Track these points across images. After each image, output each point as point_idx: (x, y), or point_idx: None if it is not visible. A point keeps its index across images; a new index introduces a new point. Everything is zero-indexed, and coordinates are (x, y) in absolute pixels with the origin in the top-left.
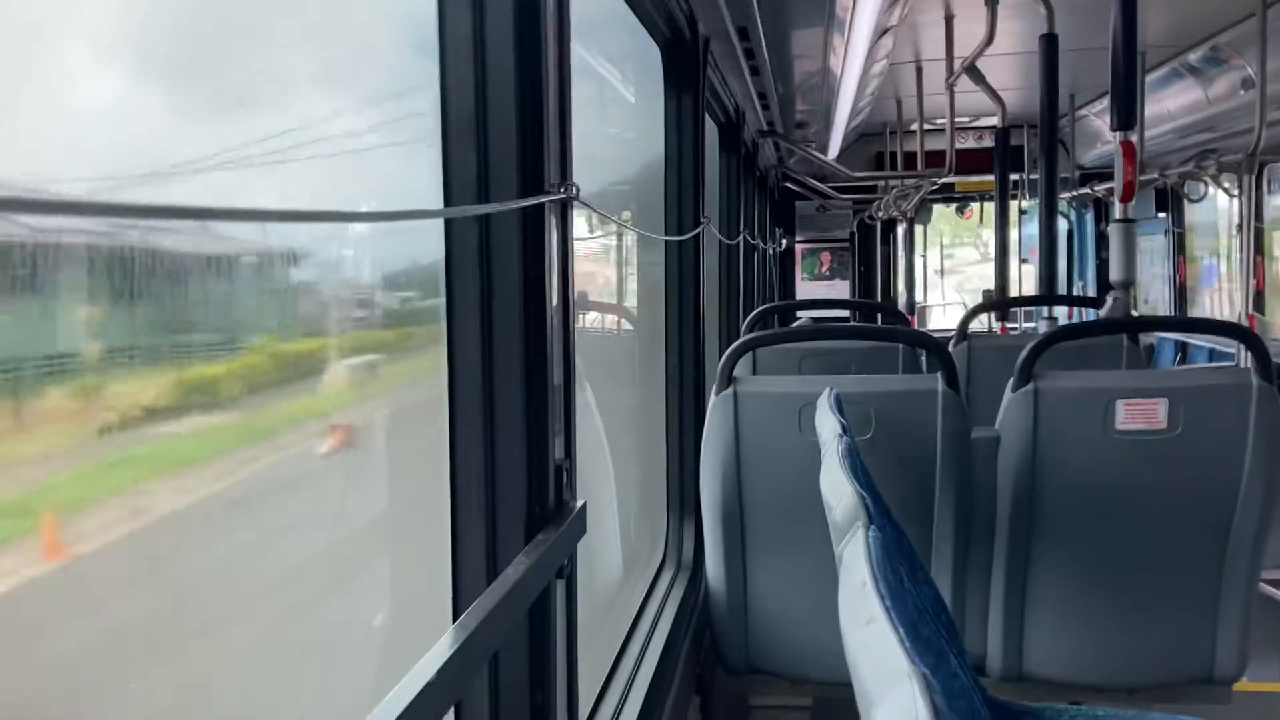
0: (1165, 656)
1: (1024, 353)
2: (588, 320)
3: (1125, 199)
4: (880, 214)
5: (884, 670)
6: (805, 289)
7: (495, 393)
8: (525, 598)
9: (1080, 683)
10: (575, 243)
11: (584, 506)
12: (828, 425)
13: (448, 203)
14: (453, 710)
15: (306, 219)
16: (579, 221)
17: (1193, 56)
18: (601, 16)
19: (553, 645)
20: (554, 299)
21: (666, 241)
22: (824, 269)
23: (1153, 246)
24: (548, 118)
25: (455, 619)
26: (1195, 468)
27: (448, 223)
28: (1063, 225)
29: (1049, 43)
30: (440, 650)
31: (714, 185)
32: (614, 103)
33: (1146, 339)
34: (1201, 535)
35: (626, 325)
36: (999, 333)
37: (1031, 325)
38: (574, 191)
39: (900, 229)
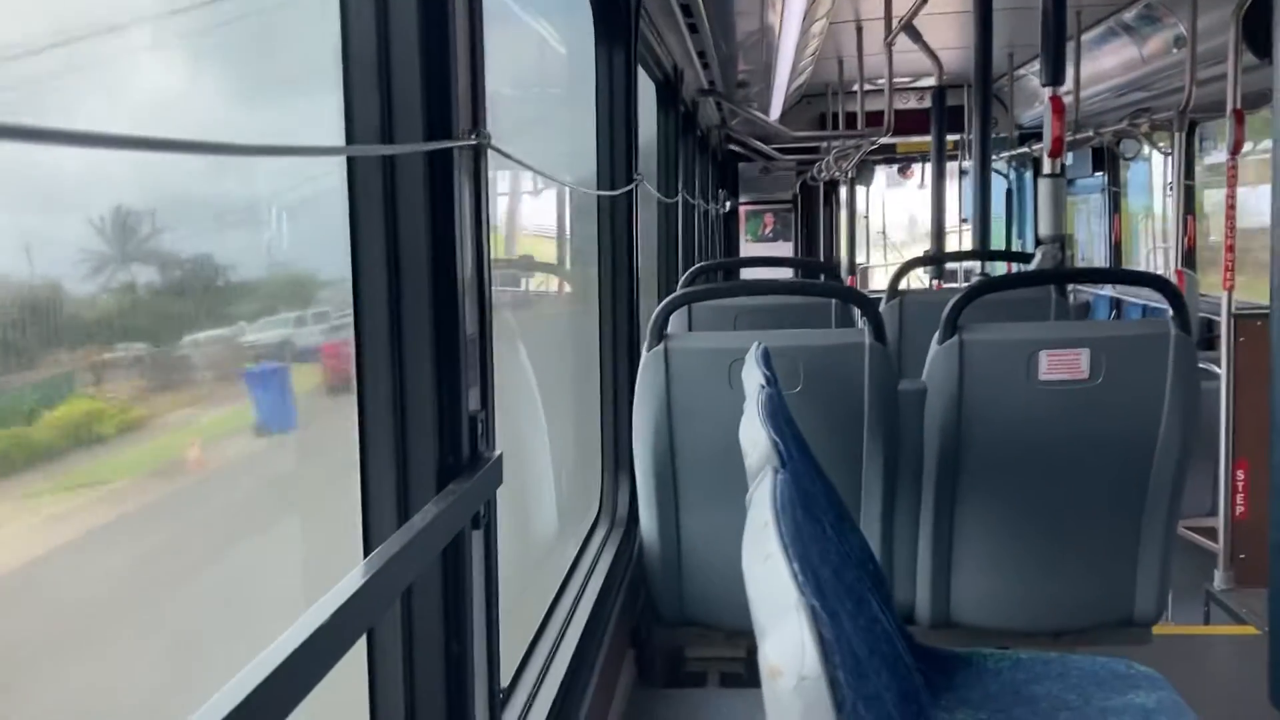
0: (1088, 601)
1: (949, 305)
2: (531, 282)
3: (1054, 154)
4: (822, 175)
5: (775, 603)
6: (749, 250)
7: (404, 342)
8: (435, 543)
9: (1006, 628)
10: (514, 197)
11: (500, 457)
12: (753, 378)
13: (349, 141)
14: (367, 659)
15: (199, 150)
16: (511, 175)
17: (1127, 15)
18: None
19: (468, 593)
20: (467, 248)
21: (599, 198)
22: (767, 230)
23: (1090, 205)
24: (455, 60)
25: None
26: (1116, 417)
27: (350, 164)
28: (1003, 185)
29: (983, 0)
30: (349, 583)
31: (652, 144)
32: (550, 55)
33: (1082, 296)
34: (1122, 482)
35: (565, 284)
36: (935, 289)
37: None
38: (486, 139)
39: (843, 190)
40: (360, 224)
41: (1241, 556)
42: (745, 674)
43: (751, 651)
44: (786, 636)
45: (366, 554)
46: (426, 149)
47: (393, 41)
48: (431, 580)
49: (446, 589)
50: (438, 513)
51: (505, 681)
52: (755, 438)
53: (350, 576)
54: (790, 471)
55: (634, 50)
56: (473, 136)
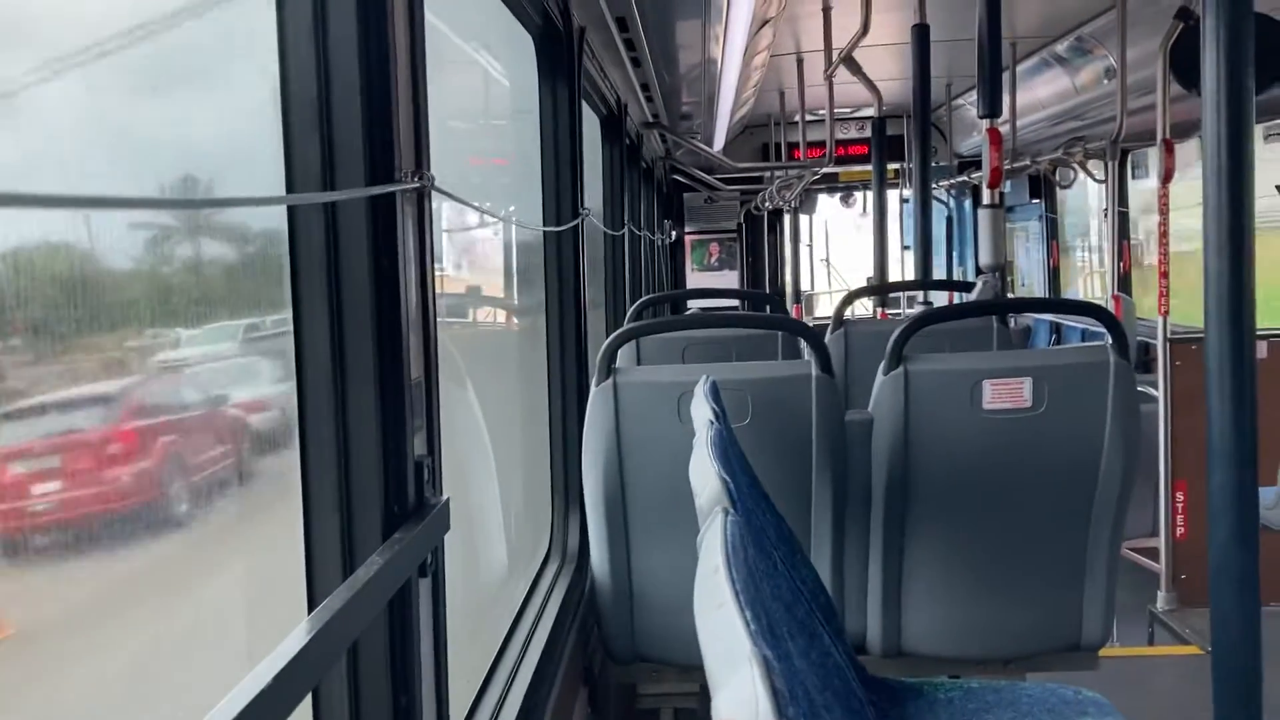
0: (1036, 627)
1: (894, 336)
2: (479, 315)
3: (993, 185)
4: (766, 204)
5: (728, 654)
6: (696, 280)
7: (347, 388)
8: (382, 594)
9: (957, 656)
10: (458, 234)
11: (447, 502)
12: (701, 413)
13: (290, 189)
14: (312, 715)
15: (136, 205)
16: (460, 214)
17: (1060, 47)
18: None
19: (415, 643)
20: (411, 292)
21: (545, 233)
22: (713, 259)
23: (1029, 232)
24: (397, 104)
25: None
26: (1059, 443)
27: (291, 211)
28: (944, 213)
29: (920, 33)
30: (293, 642)
31: (598, 177)
32: (497, 91)
33: (1023, 322)
34: (1067, 508)
35: (515, 319)
36: (880, 318)
37: (913, 311)
38: (429, 181)
39: (786, 219)
40: (301, 269)
41: (1183, 577)
42: (699, 709)
43: (705, 688)
44: (739, 689)
45: (311, 608)
46: (369, 194)
47: (333, 85)
48: (378, 632)
49: (394, 640)
50: (383, 563)
51: None
52: (705, 477)
53: (295, 634)
54: (741, 509)
55: (578, 86)
56: (416, 179)
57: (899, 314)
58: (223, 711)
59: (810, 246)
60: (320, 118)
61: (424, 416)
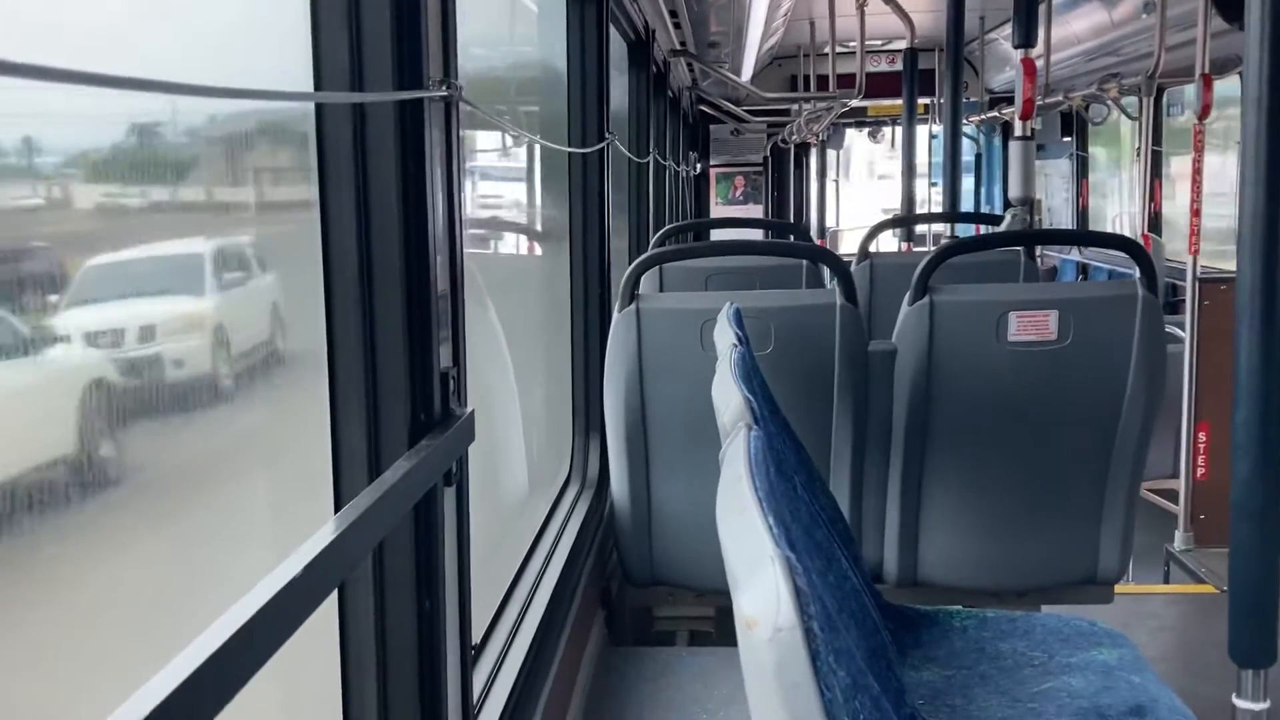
0: (1052, 560)
1: (920, 266)
2: (503, 242)
3: (1025, 116)
4: (793, 137)
5: (750, 556)
6: (719, 213)
7: (374, 297)
8: (407, 499)
9: (972, 587)
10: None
11: (472, 414)
12: (724, 338)
13: (317, 87)
14: (338, 613)
15: (162, 89)
16: (492, 133)
17: None
18: None
19: (440, 550)
20: (438, 203)
21: (570, 155)
22: (738, 193)
23: (1059, 170)
24: (426, 9)
25: None
26: (1083, 377)
27: (319, 112)
28: (972, 149)
29: None
30: (320, 538)
31: (625, 104)
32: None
33: (1049, 261)
34: (1088, 443)
35: (539, 243)
36: (905, 251)
37: None
38: (457, 91)
39: (813, 153)
40: (329, 175)
41: (1201, 517)
42: (714, 633)
43: (720, 611)
44: (762, 588)
45: (337, 510)
46: (397, 98)
47: None
48: (403, 537)
49: (419, 546)
50: (409, 469)
51: (476, 640)
52: (728, 396)
53: (322, 531)
54: (762, 430)
55: (605, 8)
56: (444, 88)
57: (925, 250)
58: (252, 599)
59: (837, 182)
60: (349, 17)
61: (450, 329)
